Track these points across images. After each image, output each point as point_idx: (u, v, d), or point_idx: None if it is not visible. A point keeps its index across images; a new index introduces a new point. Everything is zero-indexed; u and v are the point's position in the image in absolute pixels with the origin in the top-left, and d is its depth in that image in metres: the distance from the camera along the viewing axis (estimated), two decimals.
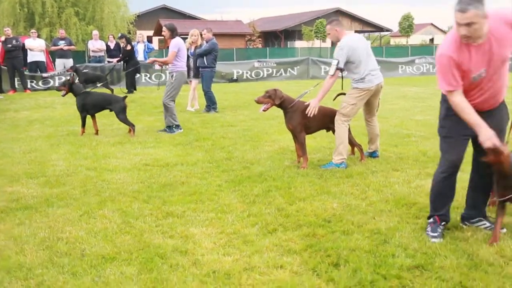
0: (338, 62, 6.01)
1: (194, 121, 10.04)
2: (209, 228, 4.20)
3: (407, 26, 52.07)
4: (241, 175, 5.88)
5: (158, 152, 7.24)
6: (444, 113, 3.91)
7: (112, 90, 14.55)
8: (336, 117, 6.20)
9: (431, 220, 4.04)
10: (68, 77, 8.83)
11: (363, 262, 3.49)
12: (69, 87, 8.64)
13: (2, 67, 16.36)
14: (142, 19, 44.15)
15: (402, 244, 3.78)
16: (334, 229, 4.13)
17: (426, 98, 13.34)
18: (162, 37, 9.06)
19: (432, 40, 64.02)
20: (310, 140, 7.34)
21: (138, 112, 11.29)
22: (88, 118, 8.64)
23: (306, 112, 6.06)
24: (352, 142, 6.52)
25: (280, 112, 6.51)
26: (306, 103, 6.19)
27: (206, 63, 11.27)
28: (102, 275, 3.38)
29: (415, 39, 58.72)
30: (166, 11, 51.13)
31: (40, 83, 17.21)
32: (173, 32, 8.81)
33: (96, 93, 9.07)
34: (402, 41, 56.01)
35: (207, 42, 11.41)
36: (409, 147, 7.27)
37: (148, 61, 10.21)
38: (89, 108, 8.56)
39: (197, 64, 11.43)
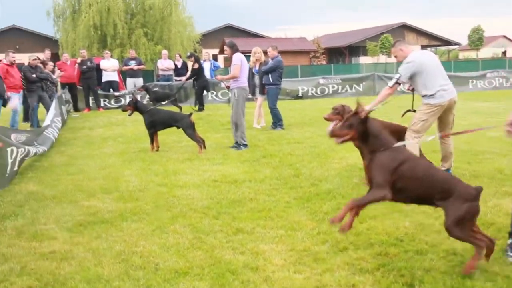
0: (400, 76, 5.98)
1: (261, 138, 10.11)
2: (279, 245, 4.20)
3: (476, 39, 50.22)
4: (309, 192, 5.86)
5: (226, 168, 7.34)
6: None
7: (180, 108, 14.95)
8: (407, 134, 6.06)
9: (510, 241, 3.85)
10: (132, 97, 9.20)
11: (439, 283, 3.39)
12: (134, 106, 9.03)
13: (78, 87, 17.20)
14: (208, 38, 45.18)
15: (480, 266, 3.61)
16: (407, 249, 4.04)
17: (499, 113, 12.78)
18: (227, 55, 9.26)
19: (504, 53, 61.35)
20: None
21: (206, 129, 11.50)
22: None
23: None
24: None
25: None
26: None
27: (271, 80, 11.36)
28: None
29: (486, 52, 56.45)
30: (230, 29, 52.11)
31: (112, 101, 17.93)
32: (233, 48, 9.06)
33: (163, 110, 9.38)
34: (472, 54, 54.02)
35: (272, 59, 11.51)
36: (483, 165, 6.99)
37: (216, 77, 10.39)
38: (157, 124, 8.87)
39: (263, 81, 11.55)
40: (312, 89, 20.79)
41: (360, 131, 3.65)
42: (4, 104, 11.81)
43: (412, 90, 6.35)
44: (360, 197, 3.80)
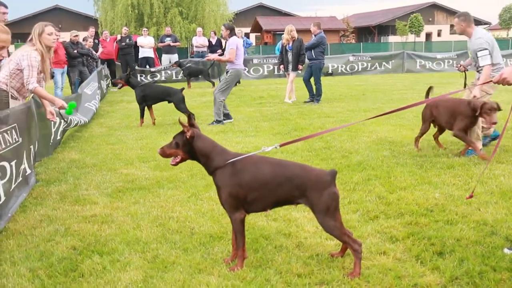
0: (489, 51, 6.03)
1: (292, 112, 10.20)
2: (311, 213, 4.24)
3: (508, 18, 48.78)
4: (340, 163, 5.93)
5: (258, 140, 7.47)
6: None
7: (213, 83, 15.09)
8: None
9: None
10: (127, 73, 9.56)
11: (470, 252, 3.41)
12: (125, 80, 9.34)
13: (117, 63, 17.54)
14: (240, 17, 45.05)
15: None
16: (437, 219, 4.08)
17: None
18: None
19: None
20: (409, 132, 7.25)
21: (238, 104, 11.64)
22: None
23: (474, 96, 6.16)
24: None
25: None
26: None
27: (314, 56, 11.59)
28: (210, 252, 3.58)
29: None
30: (262, 8, 51.80)
31: (148, 77, 18.28)
32: (231, 31, 9.10)
33: (155, 85, 9.69)
34: (502, 34, 52.48)
35: (315, 35, 11.70)
36: None
37: (209, 57, 10.83)
38: (148, 99, 9.16)
39: (306, 57, 11.76)
40: (342, 66, 20.84)
41: (187, 151, 3.30)
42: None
43: (464, 71, 6.58)
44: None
